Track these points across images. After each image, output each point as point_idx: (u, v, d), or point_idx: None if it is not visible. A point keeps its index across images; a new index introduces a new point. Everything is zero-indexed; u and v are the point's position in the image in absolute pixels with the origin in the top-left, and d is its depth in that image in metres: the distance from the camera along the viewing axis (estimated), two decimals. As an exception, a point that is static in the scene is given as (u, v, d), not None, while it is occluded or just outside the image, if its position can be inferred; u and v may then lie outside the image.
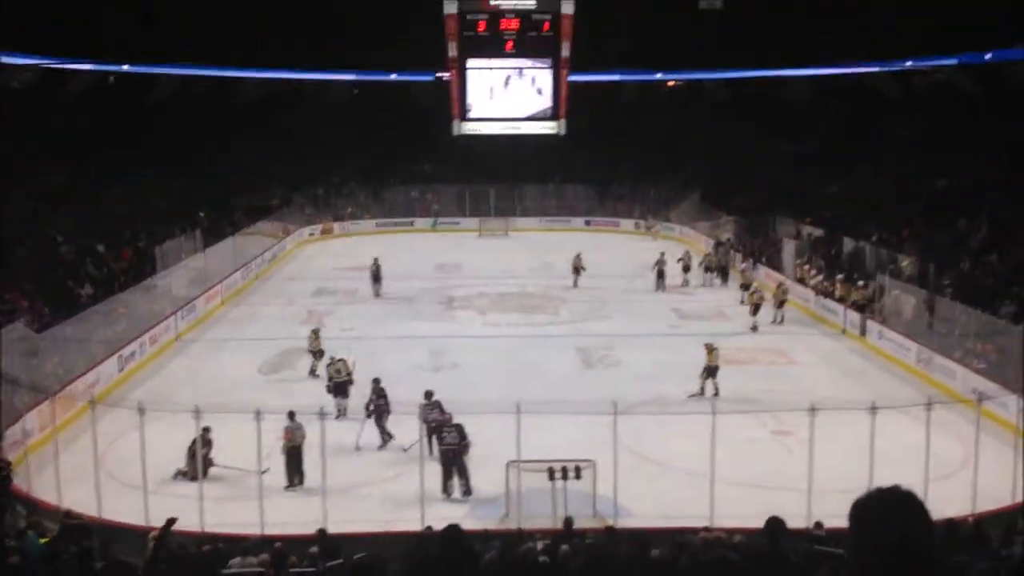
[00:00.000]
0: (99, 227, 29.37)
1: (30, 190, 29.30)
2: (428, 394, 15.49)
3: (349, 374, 17.68)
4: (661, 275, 29.57)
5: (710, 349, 19.15)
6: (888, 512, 2.22)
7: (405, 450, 15.14)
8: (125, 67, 41.36)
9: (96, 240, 28.03)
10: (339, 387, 17.46)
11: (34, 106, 37.40)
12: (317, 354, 20.59)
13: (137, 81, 43.31)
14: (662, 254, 30.28)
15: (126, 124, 40.38)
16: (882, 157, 37.61)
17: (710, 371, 18.96)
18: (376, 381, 16.30)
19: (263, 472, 13.61)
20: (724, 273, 31.17)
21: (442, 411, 15.03)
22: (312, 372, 20.40)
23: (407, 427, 14.61)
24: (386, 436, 16.03)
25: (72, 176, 32.87)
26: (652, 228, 40.54)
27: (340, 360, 17.94)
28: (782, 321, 25.34)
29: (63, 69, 39.64)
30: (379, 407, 16.05)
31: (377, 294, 29.17)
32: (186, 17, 38.62)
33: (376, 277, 29.28)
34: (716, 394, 18.51)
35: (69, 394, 16.44)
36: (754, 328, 24.53)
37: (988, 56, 32.28)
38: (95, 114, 40.04)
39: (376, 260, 29.69)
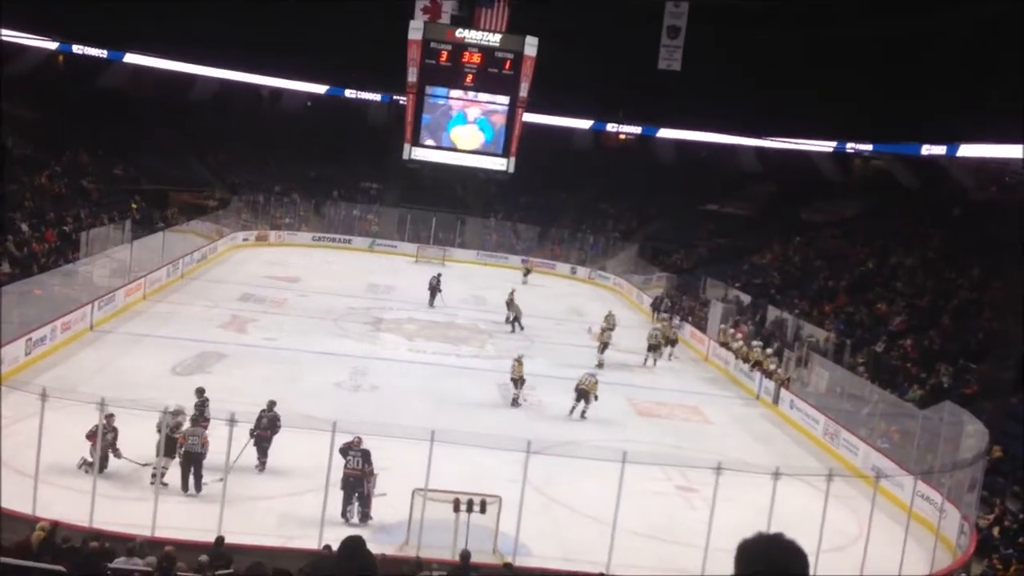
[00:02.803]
0: (26, 205, 28.59)
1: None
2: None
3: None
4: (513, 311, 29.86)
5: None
6: (770, 554, 2.37)
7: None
8: (77, 48, 40.74)
9: (22, 219, 27.27)
10: (170, 444, 14.02)
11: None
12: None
13: (87, 64, 42.65)
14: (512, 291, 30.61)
15: (72, 105, 39.61)
16: (817, 232, 38.88)
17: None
18: (271, 404, 15.53)
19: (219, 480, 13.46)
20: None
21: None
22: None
23: (318, 443, 14.26)
24: (262, 460, 15.35)
25: (5, 152, 31.94)
26: (527, 270, 40.76)
27: (183, 414, 14.70)
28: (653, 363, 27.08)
29: (12, 44, 38.84)
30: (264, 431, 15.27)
31: (432, 304, 31.33)
32: (148, 3, 38.13)
33: (434, 290, 31.67)
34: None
35: (-31, 372, 15.85)
36: (599, 364, 25.49)
37: (925, 150, 33.82)
38: (41, 92, 39.24)
39: (439, 275, 32.61)
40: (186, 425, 14.44)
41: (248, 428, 14.88)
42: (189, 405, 15.11)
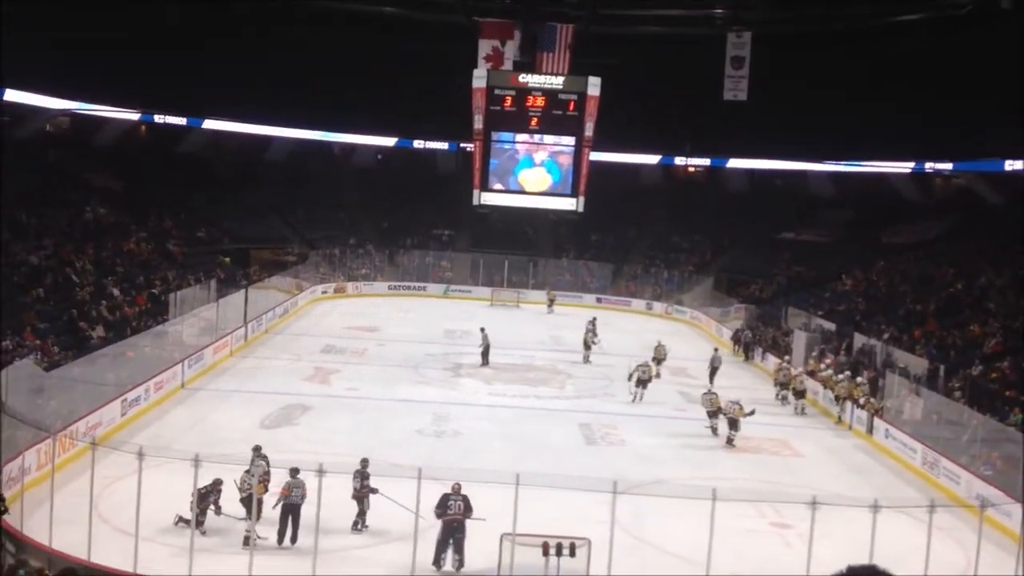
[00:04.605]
0: (117, 271, 29.74)
1: (54, 231, 29.75)
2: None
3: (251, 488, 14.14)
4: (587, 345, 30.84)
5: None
6: None
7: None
8: (158, 118, 42.47)
9: (113, 284, 28.36)
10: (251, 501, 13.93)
11: (66, 150, 38.40)
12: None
13: (168, 132, 44.41)
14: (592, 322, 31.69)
15: (154, 172, 41.22)
16: (900, 255, 37.85)
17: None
18: (364, 463, 15.20)
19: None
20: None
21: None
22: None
23: (404, 490, 14.28)
24: (360, 519, 15.09)
25: (95, 220, 33.37)
26: (552, 299, 41.94)
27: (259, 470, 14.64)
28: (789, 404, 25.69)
29: (96, 117, 40.75)
30: (363, 491, 15.06)
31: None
32: (220, 72, 39.57)
33: (486, 351, 29.98)
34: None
35: (70, 434, 16.43)
36: (634, 399, 25.01)
37: (1008, 165, 32.79)
38: (124, 161, 40.97)
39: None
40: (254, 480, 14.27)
41: (338, 480, 14.73)
42: (277, 459, 15.31)
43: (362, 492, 15.01)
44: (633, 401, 24.87)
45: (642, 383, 25.10)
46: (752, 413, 22.23)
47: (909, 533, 14.12)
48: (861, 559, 11.79)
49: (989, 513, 14.46)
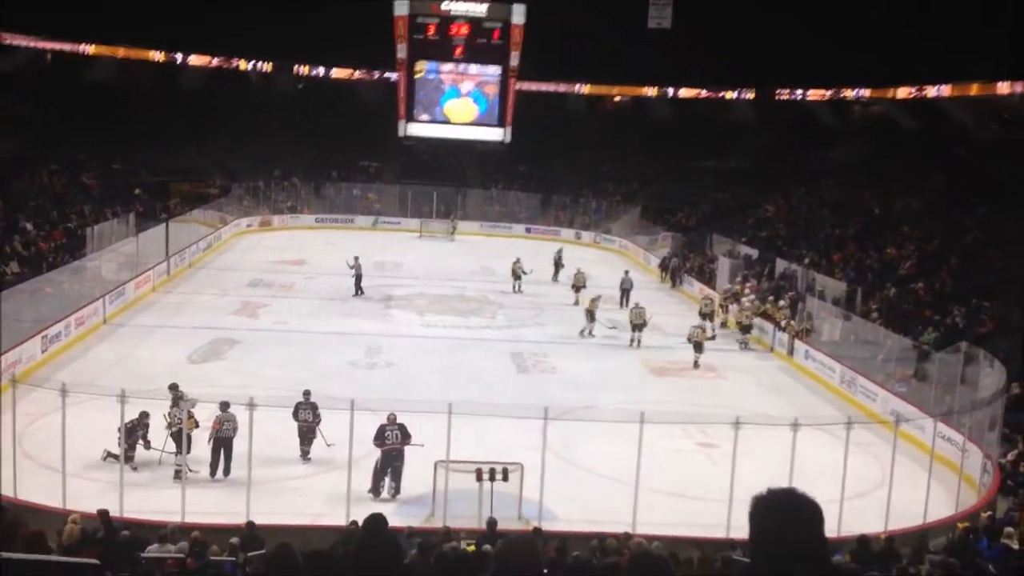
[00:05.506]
0: (30, 205, 28.59)
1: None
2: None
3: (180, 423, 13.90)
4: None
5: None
6: (784, 507, 2.38)
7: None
8: (62, 45, 40.48)
9: (25, 218, 27.29)
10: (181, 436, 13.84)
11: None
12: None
13: (74, 60, 42.39)
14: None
15: (63, 101, 39.43)
16: (819, 181, 38.67)
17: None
18: (307, 395, 15.25)
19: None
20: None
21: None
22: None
23: (337, 422, 14.31)
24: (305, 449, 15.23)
25: (5, 153, 31.90)
26: (454, 227, 42.53)
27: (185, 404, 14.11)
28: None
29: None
30: (314, 422, 15.12)
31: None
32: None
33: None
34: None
35: (-12, 372, 15.92)
36: (583, 333, 24.89)
37: (923, 92, 33.53)
38: (30, 90, 39.07)
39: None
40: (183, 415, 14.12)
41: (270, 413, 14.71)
42: (206, 394, 15.08)
43: (313, 423, 15.03)
44: (582, 334, 24.64)
45: (593, 317, 24.71)
46: (714, 337, 22.78)
47: (828, 449, 14.72)
48: (782, 475, 12.28)
49: (903, 428, 15.16)
